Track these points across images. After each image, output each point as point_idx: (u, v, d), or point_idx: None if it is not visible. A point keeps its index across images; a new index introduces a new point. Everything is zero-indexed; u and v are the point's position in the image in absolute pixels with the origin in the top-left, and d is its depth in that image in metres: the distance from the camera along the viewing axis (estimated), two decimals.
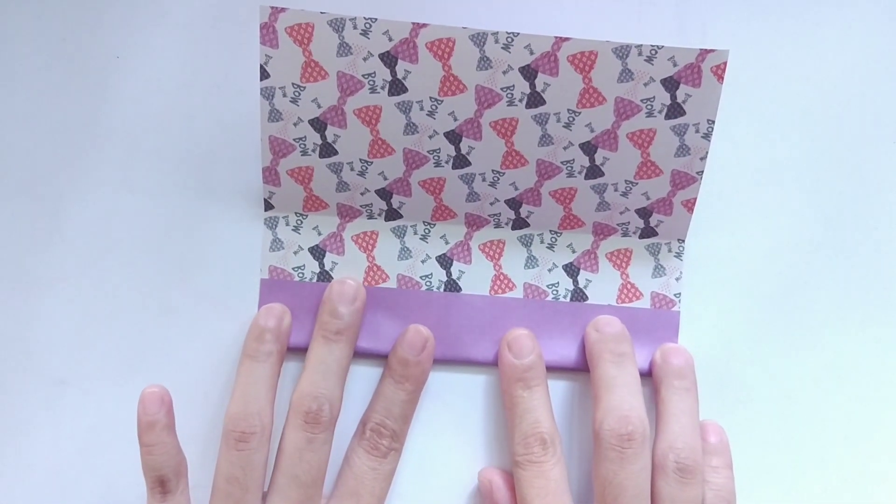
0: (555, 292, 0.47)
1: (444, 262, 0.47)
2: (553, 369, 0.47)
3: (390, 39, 0.43)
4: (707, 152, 0.45)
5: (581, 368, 0.47)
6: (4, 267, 0.47)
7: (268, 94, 0.44)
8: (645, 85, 0.44)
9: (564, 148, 0.45)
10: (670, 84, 0.43)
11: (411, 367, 0.45)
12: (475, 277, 0.47)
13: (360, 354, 0.46)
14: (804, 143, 0.48)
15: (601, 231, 0.47)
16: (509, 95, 0.44)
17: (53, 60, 0.47)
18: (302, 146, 0.45)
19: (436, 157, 0.45)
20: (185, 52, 0.47)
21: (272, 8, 0.42)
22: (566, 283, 0.47)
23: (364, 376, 0.47)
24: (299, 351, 0.46)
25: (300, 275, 0.46)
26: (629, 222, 0.47)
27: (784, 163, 0.48)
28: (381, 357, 0.46)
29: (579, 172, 0.45)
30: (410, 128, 0.45)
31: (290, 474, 0.42)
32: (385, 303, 0.46)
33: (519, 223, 0.47)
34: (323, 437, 0.42)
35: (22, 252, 0.46)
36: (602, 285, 0.47)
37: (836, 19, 0.48)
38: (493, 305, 0.47)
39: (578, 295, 0.47)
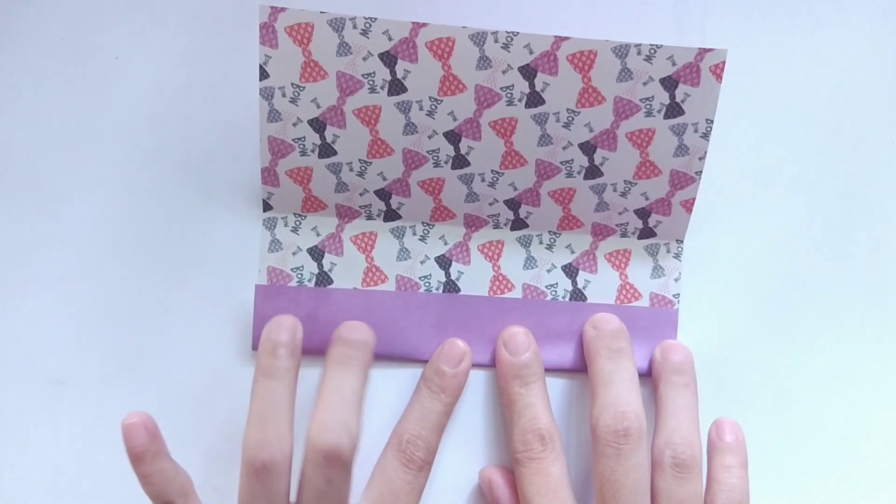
0: (554, 293, 0.47)
1: (443, 262, 0.47)
2: (552, 370, 0.47)
3: (390, 39, 0.43)
4: (706, 152, 0.45)
5: (580, 369, 0.47)
6: (3, 267, 0.46)
7: (267, 94, 0.44)
8: (644, 84, 0.44)
9: (563, 148, 0.45)
10: (669, 83, 0.44)
11: (448, 378, 0.44)
12: (474, 278, 0.47)
13: None
14: (803, 143, 0.48)
15: (600, 232, 0.47)
16: (509, 95, 0.44)
17: (53, 60, 0.47)
18: (301, 146, 0.45)
19: (435, 158, 0.45)
20: (185, 52, 0.47)
21: (272, 8, 0.42)
22: (565, 284, 0.47)
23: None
24: (304, 355, 0.46)
25: (299, 275, 0.46)
26: (628, 223, 0.47)
27: (783, 163, 0.48)
28: (379, 360, 0.46)
29: (578, 172, 0.46)
30: (410, 128, 0.45)
31: None
32: (384, 305, 0.46)
33: (518, 224, 0.47)
34: (344, 474, 0.41)
35: (21, 252, 0.46)
36: (601, 286, 0.47)
37: (835, 19, 0.48)
38: (491, 306, 0.47)
39: (577, 295, 0.47)
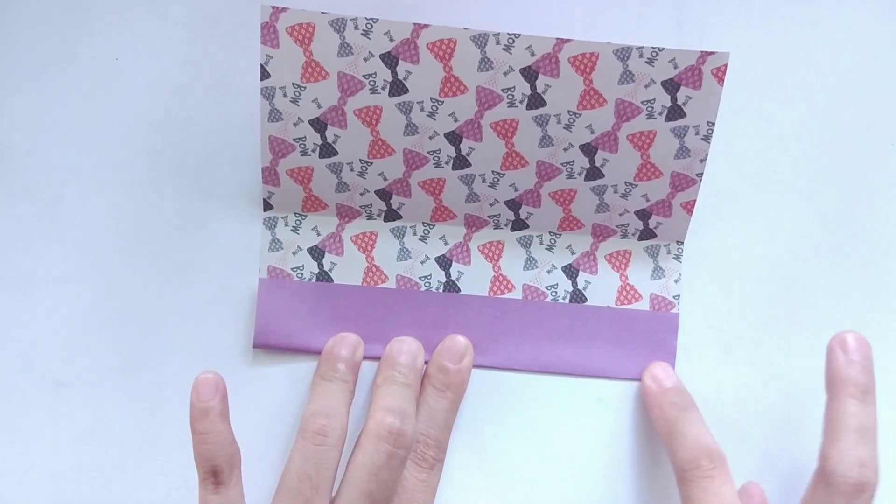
0: (554, 294, 0.47)
1: (444, 262, 0.47)
2: (551, 372, 0.47)
3: (391, 40, 0.43)
4: (707, 154, 0.45)
5: (578, 372, 0.47)
6: (3, 267, 0.46)
7: (268, 93, 0.44)
8: (646, 87, 0.44)
9: (564, 149, 0.45)
10: (671, 86, 0.44)
11: (451, 375, 0.45)
12: (474, 278, 0.47)
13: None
14: (803, 144, 0.48)
15: (600, 233, 0.47)
16: (510, 96, 0.44)
17: (53, 60, 0.46)
18: (302, 146, 0.45)
19: (436, 158, 0.45)
20: (185, 52, 0.47)
21: (273, 8, 0.42)
22: (565, 285, 0.47)
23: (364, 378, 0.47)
24: (304, 353, 0.46)
25: (299, 275, 0.46)
26: (628, 224, 0.47)
27: (783, 164, 0.48)
28: (379, 360, 0.46)
29: (579, 174, 0.45)
30: (411, 128, 0.45)
31: (364, 490, 0.40)
32: (384, 303, 0.46)
33: (518, 224, 0.47)
34: (402, 455, 0.41)
35: (21, 252, 0.46)
36: (601, 287, 0.47)
37: (835, 20, 0.48)
38: (491, 306, 0.47)
39: (577, 296, 0.47)
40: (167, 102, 0.46)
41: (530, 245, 0.47)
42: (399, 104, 0.44)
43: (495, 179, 0.46)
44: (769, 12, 0.48)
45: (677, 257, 0.47)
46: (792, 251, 0.48)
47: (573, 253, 0.47)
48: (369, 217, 0.47)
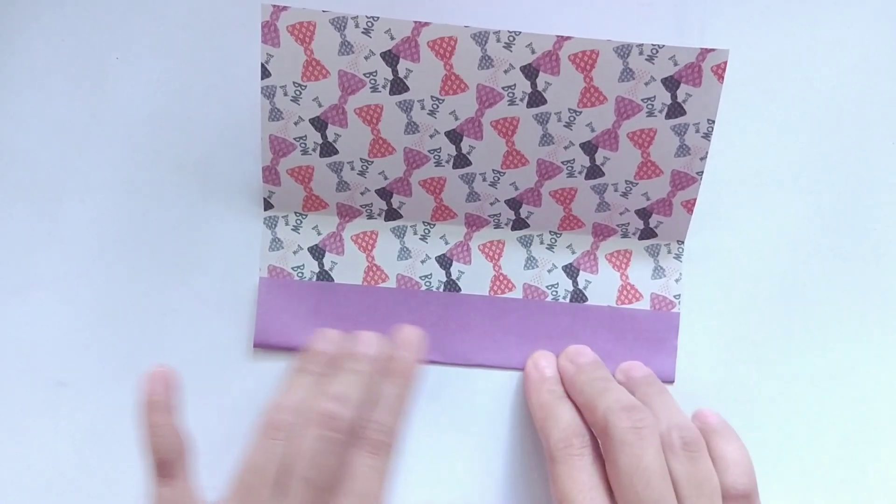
0: (554, 293, 0.47)
1: (444, 262, 0.47)
2: None
3: (392, 38, 0.43)
4: (707, 152, 0.45)
5: None
6: (3, 267, 0.46)
7: (269, 92, 0.44)
8: (646, 84, 0.44)
9: (565, 147, 0.45)
10: (671, 83, 0.44)
11: (398, 362, 0.44)
12: (475, 278, 0.47)
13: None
14: (803, 144, 0.48)
15: (601, 232, 0.47)
16: (510, 94, 0.44)
17: (53, 60, 0.46)
18: (302, 145, 0.45)
19: (436, 157, 0.45)
20: (185, 52, 0.47)
21: (274, 6, 0.42)
22: (566, 284, 0.47)
23: None
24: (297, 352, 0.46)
25: (299, 274, 0.46)
26: (629, 223, 0.47)
27: (783, 163, 0.48)
28: None
29: (579, 172, 0.46)
30: (411, 127, 0.45)
31: (302, 476, 0.40)
32: (384, 303, 0.46)
33: (519, 224, 0.47)
34: (340, 439, 0.41)
35: (21, 252, 0.46)
36: (602, 286, 0.47)
37: (835, 19, 0.48)
38: (492, 306, 0.47)
39: (578, 296, 0.47)
40: (167, 102, 0.46)
41: (531, 244, 0.47)
42: (400, 103, 0.44)
43: (496, 178, 0.46)
44: (769, 11, 0.48)
45: (678, 257, 0.47)
46: (793, 250, 0.48)
47: (574, 252, 0.47)
48: (370, 216, 0.47)
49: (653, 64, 0.43)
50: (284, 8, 0.42)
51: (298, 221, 0.46)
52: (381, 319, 0.46)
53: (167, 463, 0.40)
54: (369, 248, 0.47)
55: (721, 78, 0.43)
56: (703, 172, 0.45)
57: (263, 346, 0.46)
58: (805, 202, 0.48)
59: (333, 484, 0.40)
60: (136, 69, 0.47)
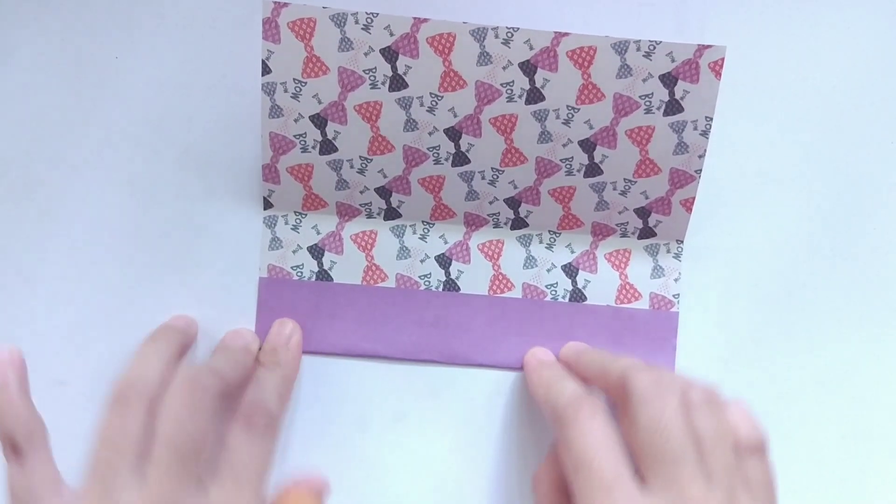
0: (553, 292, 0.47)
1: (443, 261, 0.47)
2: None
3: (391, 34, 0.43)
4: (705, 150, 0.45)
5: None
6: (3, 267, 0.46)
7: (269, 89, 0.44)
8: (643, 81, 0.44)
9: (563, 145, 0.45)
10: (668, 80, 0.44)
11: (281, 353, 0.45)
12: (474, 277, 0.47)
13: (358, 356, 0.46)
14: (803, 144, 0.48)
15: (600, 231, 0.47)
16: (509, 91, 0.44)
17: (53, 60, 0.47)
18: (302, 143, 0.45)
19: (435, 155, 0.45)
20: (185, 51, 0.47)
21: (275, 3, 0.43)
22: (565, 284, 0.47)
23: (361, 375, 0.46)
24: (303, 353, 0.46)
25: (299, 273, 0.46)
26: (628, 222, 0.47)
27: (783, 163, 0.48)
28: (378, 358, 0.46)
29: (578, 170, 0.46)
30: (410, 124, 0.45)
31: (168, 443, 0.38)
32: (384, 302, 0.46)
33: (518, 223, 0.47)
34: (207, 405, 0.39)
35: (21, 252, 0.46)
36: (601, 286, 0.47)
37: (835, 19, 0.48)
38: (491, 306, 0.47)
39: (577, 295, 0.47)
40: (167, 102, 0.47)
41: (530, 244, 0.47)
42: (399, 99, 0.44)
43: (495, 176, 0.46)
44: (769, 11, 0.48)
45: (677, 256, 0.47)
46: (792, 250, 0.48)
47: (573, 252, 0.47)
48: (369, 216, 0.47)
49: (650, 60, 0.43)
50: (285, 4, 0.43)
51: (298, 221, 0.47)
52: (380, 319, 0.46)
53: (15, 444, 0.39)
54: (368, 247, 0.47)
55: (718, 75, 0.44)
56: (701, 171, 0.45)
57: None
58: (805, 202, 0.48)
59: (202, 452, 0.38)
60: (136, 69, 0.47)
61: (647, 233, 0.47)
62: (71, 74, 0.47)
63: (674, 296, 0.47)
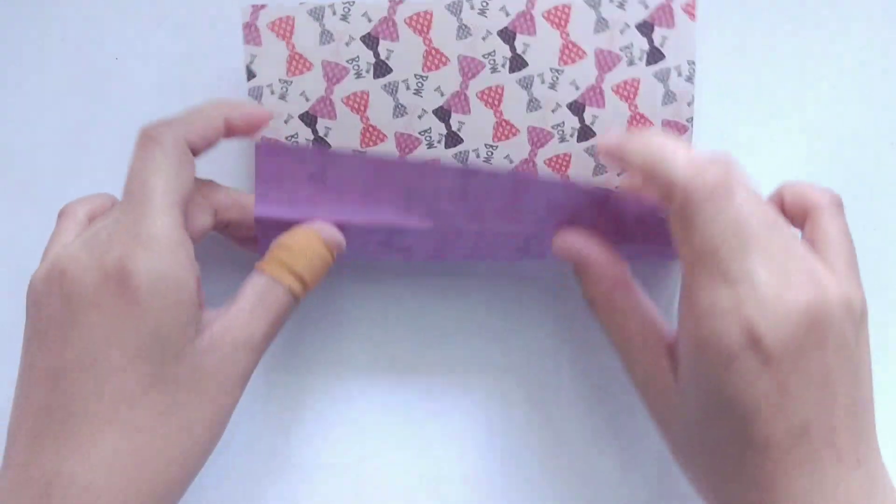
0: (560, 132, 0.45)
1: (442, 114, 0.46)
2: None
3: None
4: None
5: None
6: (3, 267, 0.47)
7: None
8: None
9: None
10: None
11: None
12: (476, 127, 0.45)
13: (356, 227, 0.43)
14: (803, 144, 0.48)
15: (605, 62, 0.45)
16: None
17: (53, 60, 0.48)
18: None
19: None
20: (185, 52, 0.48)
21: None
22: (572, 122, 0.45)
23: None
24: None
25: (294, 144, 0.45)
26: (632, 43, 0.45)
27: (783, 164, 0.48)
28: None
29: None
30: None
31: None
32: (395, 172, 0.42)
33: (517, 63, 0.45)
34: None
35: (21, 252, 0.46)
36: (610, 120, 0.45)
37: (835, 18, 0.49)
38: (511, 181, 0.42)
39: (586, 132, 0.45)
40: (167, 102, 0.47)
41: (531, 86, 0.45)
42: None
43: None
44: (769, 10, 0.49)
45: (689, 78, 0.45)
46: None
47: (577, 88, 0.45)
48: (358, 75, 0.45)
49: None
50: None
51: (284, 89, 0.45)
52: (392, 189, 0.43)
53: None
54: (362, 108, 0.45)
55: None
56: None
57: (265, 217, 0.42)
58: None
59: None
60: (135, 70, 0.48)
61: (655, 55, 0.45)
62: (71, 74, 0.48)
63: (687, 120, 0.45)
